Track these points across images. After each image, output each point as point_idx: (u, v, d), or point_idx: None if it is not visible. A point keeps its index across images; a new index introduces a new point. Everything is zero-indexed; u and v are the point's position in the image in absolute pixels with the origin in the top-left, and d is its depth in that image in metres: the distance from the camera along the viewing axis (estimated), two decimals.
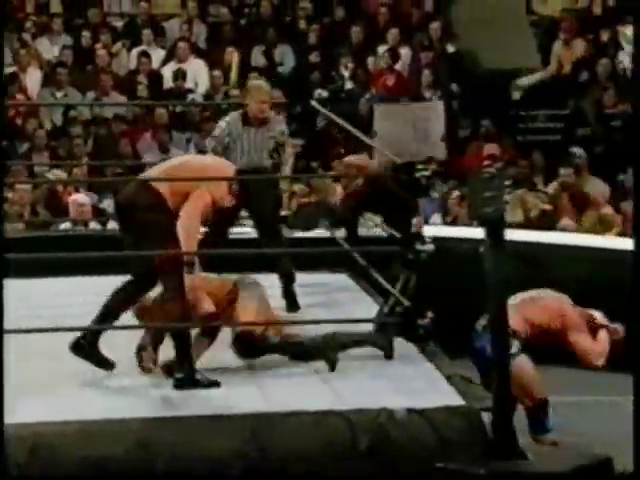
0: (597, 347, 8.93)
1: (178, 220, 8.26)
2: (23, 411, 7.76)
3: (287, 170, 10.25)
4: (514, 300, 8.68)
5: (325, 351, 8.53)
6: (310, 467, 7.28)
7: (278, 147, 10.25)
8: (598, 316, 9.09)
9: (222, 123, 10.36)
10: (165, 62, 15.33)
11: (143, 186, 8.51)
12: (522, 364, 8.88)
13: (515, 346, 8.75)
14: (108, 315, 8.53)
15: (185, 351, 8.43)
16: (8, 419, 7.33)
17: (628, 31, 15.46)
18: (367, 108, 14.21)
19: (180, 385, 8.30)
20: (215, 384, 8.31)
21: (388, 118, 10.68)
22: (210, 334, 8.58)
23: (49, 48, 15.31)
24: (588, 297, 10.34)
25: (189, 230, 8.32)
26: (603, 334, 9.03)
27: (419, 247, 9.64)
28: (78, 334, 8.41)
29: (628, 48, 15.33)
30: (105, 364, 8.51)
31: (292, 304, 9.86)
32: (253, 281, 8.72)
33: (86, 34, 15.47)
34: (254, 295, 8.60)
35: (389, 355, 8.72)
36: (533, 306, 8.99)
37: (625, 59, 15.35)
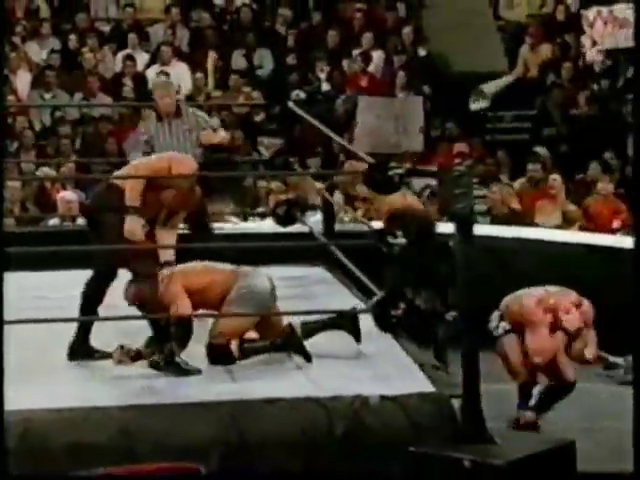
0: (538, 344, 8.96)
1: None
2: (13, 398, 7.73)
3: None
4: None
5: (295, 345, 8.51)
6: (288, 452, 7.26)
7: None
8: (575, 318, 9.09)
9: (141, 126, 10.39)
10: (149, 65, 15.29)
11: (109, 186, 8.52)
12: (509, 344, 8.91)
13: (502, 327, 8.76)
14: (87, 312, 8.53)
15: (164, 336, 8.37)
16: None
17: (590, 14, 15.54)
18: (343, 108, 14.22)
19: (158, 367, 8.25)
20: (197, 371, 8.26)
21: (371, 110, 10.64)
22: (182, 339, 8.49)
23: (38, 51, 15.28)
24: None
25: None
26: (560, 335, 9.04)
27: (392, 241, 9.63)
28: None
29: (588, 43, 15.44)
30: (104, 356, 8.48)
31: None
32: (253, 273, 8.63)
33: (73, 38, 15.45)
34: (247, 295, 8.50)
35: (358, 338, 8.66)
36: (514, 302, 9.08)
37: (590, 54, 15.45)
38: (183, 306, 8.33)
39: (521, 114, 15.43)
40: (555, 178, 13.35)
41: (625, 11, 15.36)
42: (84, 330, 8.50)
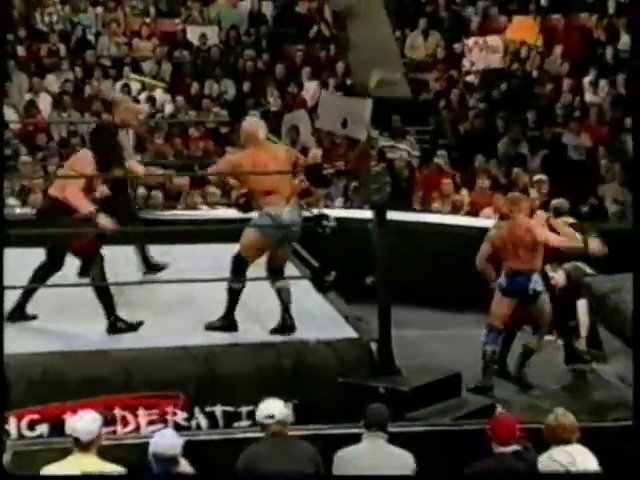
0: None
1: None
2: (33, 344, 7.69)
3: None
4: None
5: None
6: (247, 384, 7.21)
7: None
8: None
9: None
10: (140, 91, 15.11)
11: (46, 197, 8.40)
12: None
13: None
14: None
15: (108, 303, 8.08)
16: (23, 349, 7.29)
17: (470, 42, 15.51)
18: (290, 124, 14.20)
19: (110, 331, 8.03)
20: (139, 324, 8.06)
21: (329, 103, 10.50)
22: None
23: (56, 81, 15.08)
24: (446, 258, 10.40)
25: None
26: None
27: (325, 223, 9.62)
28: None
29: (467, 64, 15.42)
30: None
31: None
32: None
33: (83, 71, 15.27)
34: None
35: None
36: None
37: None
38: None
39: (421, 129, 15.30)
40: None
41: (497, 40, 15.39)
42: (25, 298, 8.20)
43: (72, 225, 7.86)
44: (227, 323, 8.11)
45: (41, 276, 8.19)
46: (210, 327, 8.11)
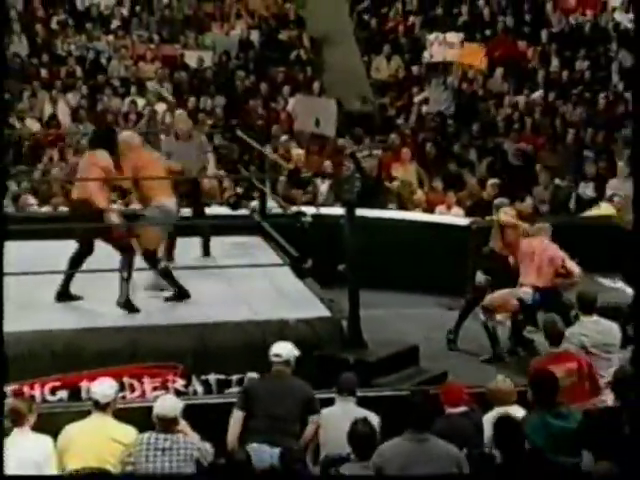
0: None
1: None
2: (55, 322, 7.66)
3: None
4: None
5: None
6: (236, 358, 7.18)
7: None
8: None
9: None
10: (145, 106, 15.01)
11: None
12: None
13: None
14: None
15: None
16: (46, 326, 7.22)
17: (432, 37, 15.36)
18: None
19: (121, 306, 8.00)
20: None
21: (303, 104, 10.39)
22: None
23: (73, 97, 14.98)
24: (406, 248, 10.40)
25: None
26: None
27: (303, 219, 9.63)
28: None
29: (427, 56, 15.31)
30: None
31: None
32: None
33: (96, 89, 15.17)
34: None
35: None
36: None
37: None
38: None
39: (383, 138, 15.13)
40: None
41: (454, 36, 15.25)
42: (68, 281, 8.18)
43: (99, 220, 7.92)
44: (181, 292, 8.18)
45: (77, 262, 8.14)
46: (169, 299, 8.18)
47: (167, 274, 8.28)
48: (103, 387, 6.24)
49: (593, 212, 11.92)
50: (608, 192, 12.42)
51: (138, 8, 16.88)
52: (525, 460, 5.47)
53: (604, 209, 11.74)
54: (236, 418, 6.44)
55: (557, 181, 13.21)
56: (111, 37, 16.32)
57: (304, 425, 6.44)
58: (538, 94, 15.49)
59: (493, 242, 8.80)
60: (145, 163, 8.33)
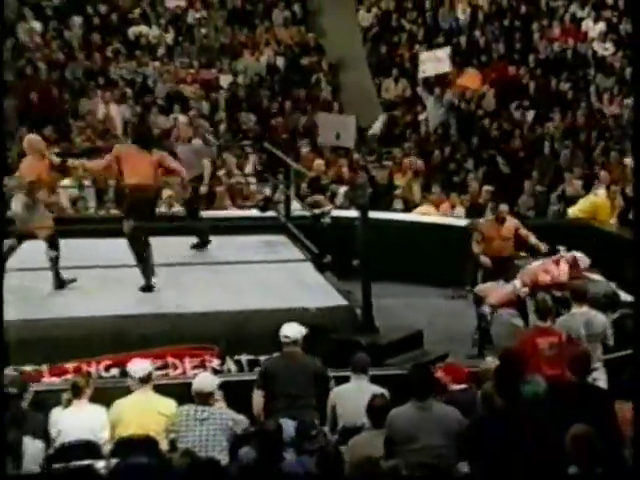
0: None
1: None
2: (108, 309, 7.59)
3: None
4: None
5: None
6: (267, 341, 7.06)
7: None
8: None
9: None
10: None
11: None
12: None
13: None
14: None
15: (146, 263, 8.02)
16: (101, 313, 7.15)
17: (423, 56, 15.14)
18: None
19: (144, 290, 7.96)
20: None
21: (325, 121, 10.30)
22: None
23: (126, 110, 14.94)
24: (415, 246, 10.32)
25: None
26: None
27: (322, 220, 9.61)
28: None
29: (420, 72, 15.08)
30: None
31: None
32: None
33: (144, 108, 15.13)
34: None
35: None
36: None
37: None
38: None
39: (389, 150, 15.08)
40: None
41: (443, 52, 15.07)
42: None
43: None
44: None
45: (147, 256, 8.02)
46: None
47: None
48: (141, 366, 6.22)
49: (580, 203, 11.57)
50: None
51: (180, 38, 16.83)
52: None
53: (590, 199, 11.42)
54: (258, 394, 6.39)
55: (538, 188, 13.08)
56: (157, 63, 16.26)
57: (319, 397, 6.36)
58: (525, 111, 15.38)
59: (474, 245, 8.74)
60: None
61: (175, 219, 9.92)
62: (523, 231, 8.79)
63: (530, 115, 15.31)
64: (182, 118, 10.93)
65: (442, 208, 12.03)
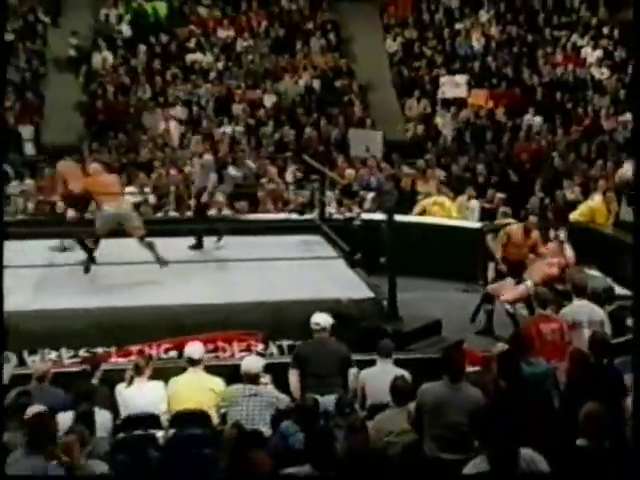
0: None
1: None
2: (166, 299, 7.59)
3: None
4: None
5: None
6: (302, 330, 7.01)
7: None
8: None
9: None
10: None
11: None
12: None
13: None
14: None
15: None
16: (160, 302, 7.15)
17: (444, 79, 15.05)
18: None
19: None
20: None
21: (356, 136, 10.19)
22: None
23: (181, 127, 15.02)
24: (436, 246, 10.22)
25: None
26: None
27: (354, 222, 9.57)
28: None
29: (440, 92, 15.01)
30: None
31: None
32: None
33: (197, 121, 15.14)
34: None
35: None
36: None
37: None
38: None
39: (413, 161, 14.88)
40: None
41: (460, 78, 15.08)
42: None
43: None
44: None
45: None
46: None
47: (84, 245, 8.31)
48: (195, 348, 6.24)
49: (579, 208, 11.35)
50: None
51: (230, 63, 16.88)
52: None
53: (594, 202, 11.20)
54: (293, 374, 6.38)
55: (540, 194, 12.90)
56: (209, 85, 16.32)
57: (344, 377, 6.36)
58: (534, 120, 15.25)
59: (497, 247, 8.54)
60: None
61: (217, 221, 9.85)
62: (539, 249, 8.46)
63: (536, 128, 15.18)
64: (195, 137, 10.87)
65: (458, 200, 11.84)
